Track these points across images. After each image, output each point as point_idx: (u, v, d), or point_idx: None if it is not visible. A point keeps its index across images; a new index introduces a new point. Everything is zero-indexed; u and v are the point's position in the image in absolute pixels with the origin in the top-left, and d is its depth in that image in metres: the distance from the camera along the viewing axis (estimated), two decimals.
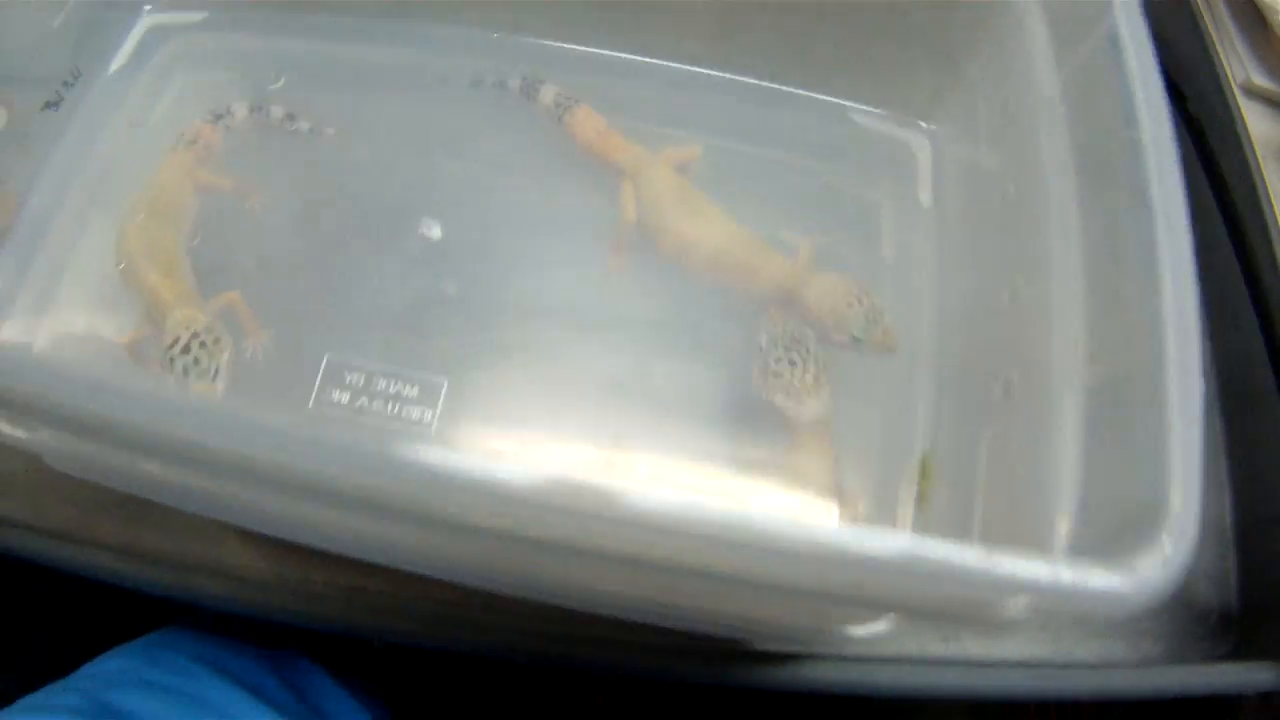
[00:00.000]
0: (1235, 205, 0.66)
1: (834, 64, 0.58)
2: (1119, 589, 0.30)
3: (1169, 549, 0.31)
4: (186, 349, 0.49)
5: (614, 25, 0.59)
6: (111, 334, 0.55)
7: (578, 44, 0.60)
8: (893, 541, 0.29)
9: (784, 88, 0.60)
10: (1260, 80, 0.73)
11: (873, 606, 0.37)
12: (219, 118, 0.58)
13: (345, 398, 0.51)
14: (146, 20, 0.60)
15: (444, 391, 0.51)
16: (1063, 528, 0.37)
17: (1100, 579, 0.30)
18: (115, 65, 0.59)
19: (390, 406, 0.51)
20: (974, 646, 0.56)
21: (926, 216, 0.56)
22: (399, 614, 0.53)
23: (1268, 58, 0.74)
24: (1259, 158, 0.67)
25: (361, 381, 0.51)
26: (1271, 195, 0.66)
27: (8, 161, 0.54)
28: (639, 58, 0.60)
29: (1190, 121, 0.71)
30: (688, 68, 0.60)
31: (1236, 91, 0.71)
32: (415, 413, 0.51)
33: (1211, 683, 0.55)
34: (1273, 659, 0.55)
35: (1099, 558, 0.31)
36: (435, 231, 0.55)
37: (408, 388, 0.51)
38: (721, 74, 0.60)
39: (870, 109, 0.59)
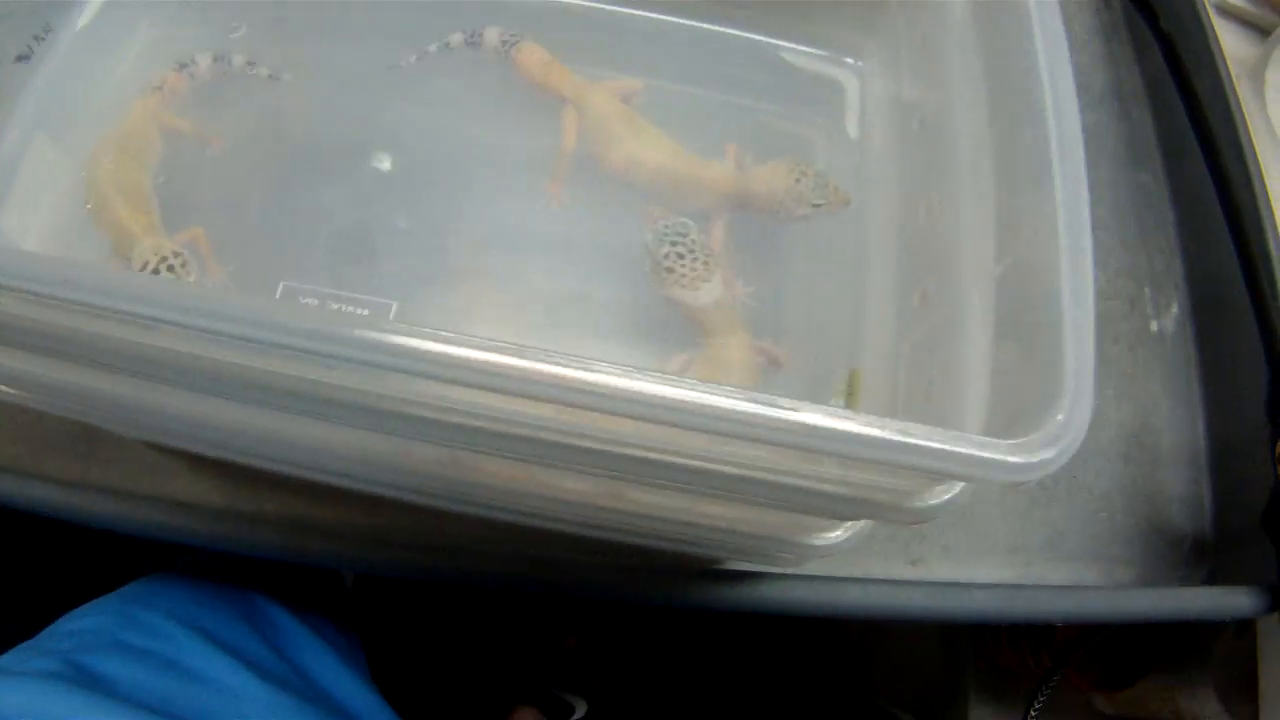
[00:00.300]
0: (1209, 124, 0.67)
1: (766, 6, 0.61)
2: (1013, 461, 0.32)
3: (1064, 423, 0.33)
4: (155, 272, 0.51)
5: None
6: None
7: None
8: (813, 414, 0.32)
9: (718, 28, 0.62)
10: None
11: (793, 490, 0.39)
12: (184, 66, 0.60)
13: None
14: None
15: (392, 313, 0.53)
16: (974, 421, 0.40)
17: (996, 447, 0.32)
18: (83, 21, 0.60)
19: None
20: (941, 569, 0.58)
21: (853, 147, 0.59)
22: (352, 540, 0.54)
23: None
24: (1233, 76, 0.68)
25: (315, 304, 0.53)
26: (1245, 114, 0.66)
27: None
28: (579, 2, 0.63)
29: (1163, 38, 0.72)
30: (624, 10, 0.62)
31: (1210, 9, 0.70)
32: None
33: (1184, 607, 0.56)
34: (1247, 584, 0.56)
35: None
36: (385, 164, 0.57)
37: (358, 310, 0.53)
38: (657, 16, 0.62)
39: (801, 48, 0.62)
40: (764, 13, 0.60)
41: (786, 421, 0.32)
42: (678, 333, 0.53)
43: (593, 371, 0.31)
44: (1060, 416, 0.33)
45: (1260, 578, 0.56)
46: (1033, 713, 0.73)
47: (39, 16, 0.58)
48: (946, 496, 0.37)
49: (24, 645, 0.56)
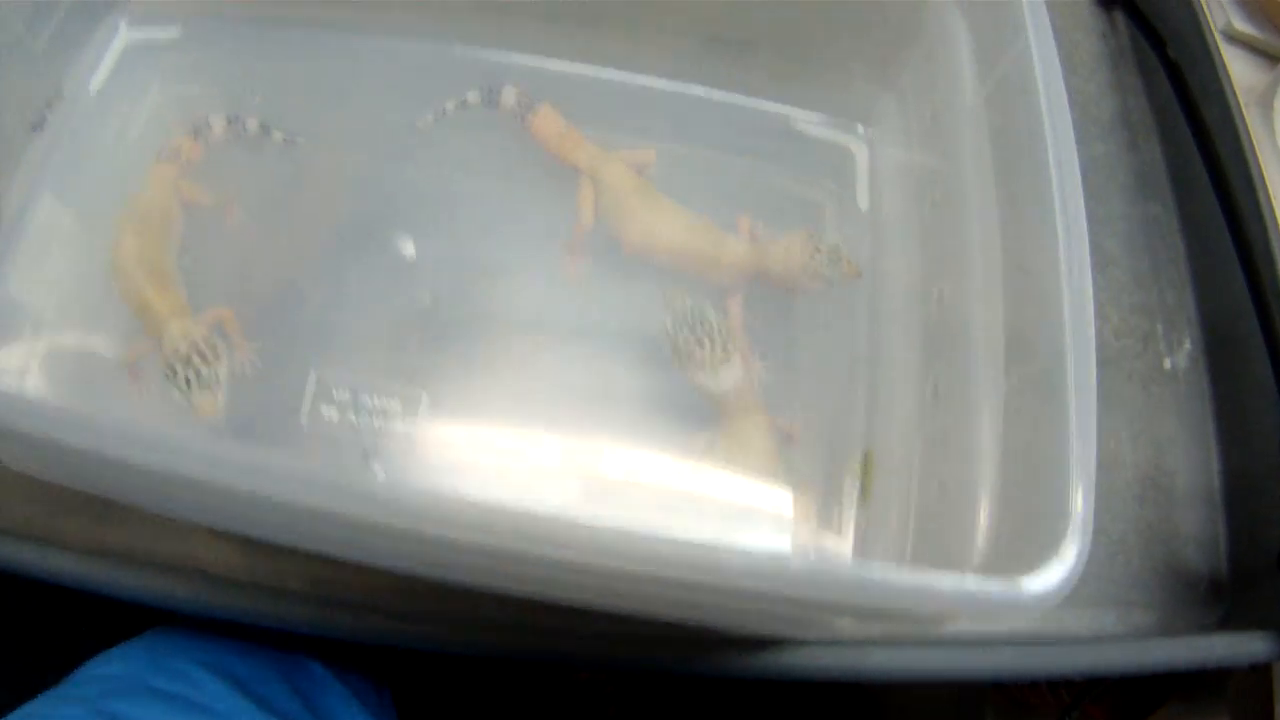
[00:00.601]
0: (1218, 153, 0.66)
1: (776, 76, 0.61)
2: (1024, 597, 0.34)
3: (1068, 561, 0.35)
4: (188, 361, 0.52)
5: (569, 38, 0.62)
6: (104, 349, 0.57)
7: (535, 55, 0.62)
8: (824, 566, 0.33)
9: (730, 96, 0.62)
10: (1241, 26, 0.73)
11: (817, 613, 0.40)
12: (198, 131, 0.60)
13: (334, 414, 0.54)
14: (124, 36, 0.61)
15: (423, 405, 0.54)
16: (983, 523, 0.41)
17: (1009, 591, 0.34)
18: (95, 84, 0.60)
19: (376, 421, 0.54)
20: (965, 623, 0.56)
21: (864, 219, 0.59)
22: (378, 612, 0.54)
23: (1249, 3, 0.74)
24: (1241, 104, 0.67)
25: (348, 397, 0.54)
26: (1255, 142, 0.65)
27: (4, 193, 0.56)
28: (593, 69, 0.63)
29: (1170, 66, 0.71)
30: (639, 79, 0.62)
31: (1217, 36, 0.69)
32: (400, 426, 0.54)
33: (1201, 656, 0.56)
34: (1262, 628, 0.56)
35: (1008, 566, 0.35)
36: (409, 248, 0.58)
37: (391, 402, 0.54)
38: (671, 85, 0.63)
39: (811, 115, 0.62)
40: (776, 80, 0.61)
41: (799, 574, 0.33)
42: (699, 410, 0.54)
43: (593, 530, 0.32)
44: (1064, 562, 0.35)
45: (1276, 620, 0.56)
46: None
47: (50, 80, 0.59)
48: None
49: (51, 692, 0.56)
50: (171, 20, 0.62)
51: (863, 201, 0.59)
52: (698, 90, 0.63)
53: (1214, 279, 0.67)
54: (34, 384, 0.56)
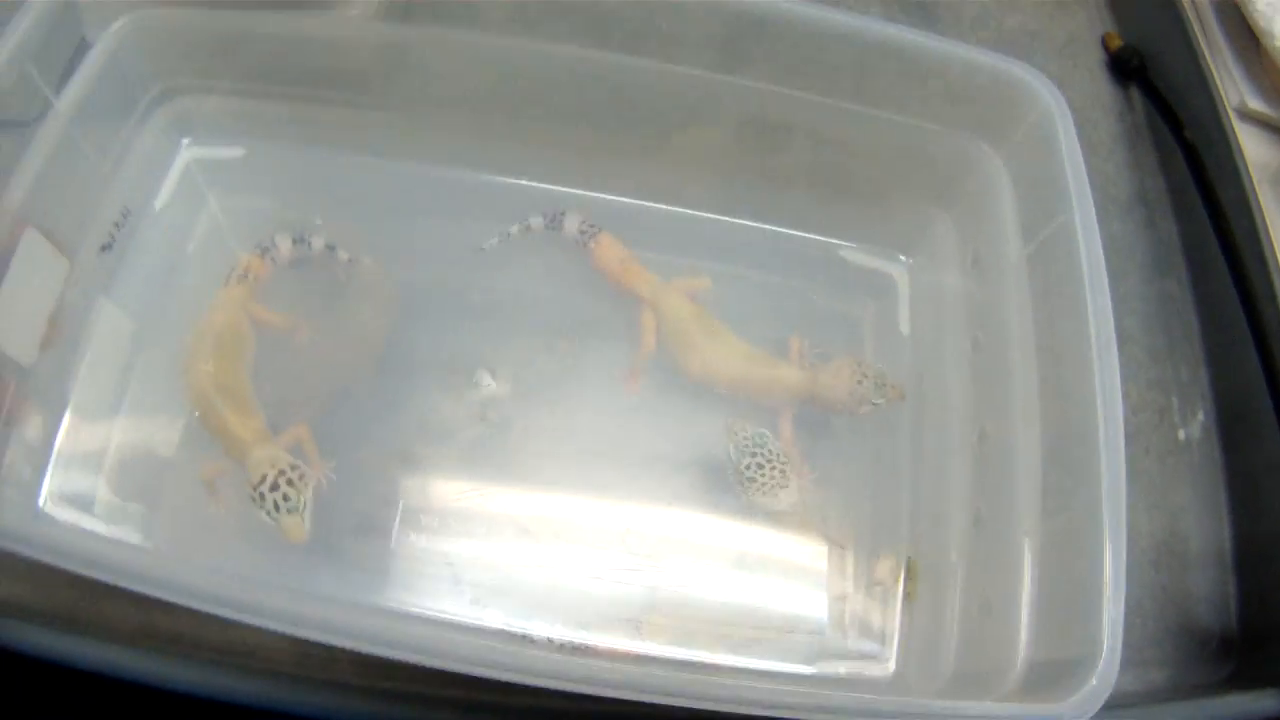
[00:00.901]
0: (1232, 232, 0.75)
1: (824, 216, 0.74)
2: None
3: (1096, 685, 0.48)
4: (275, 486, 0.62)
5: (623, 174, 0.74)
6: (178, 459, 0.67)
7: (591, 190, 0.75)
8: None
9: (776, 228, 0.76)
10: (1255, 104, 0.81)
11: None
12: (265, 251, 0.71)
13: (423, 540, 0.66)
14: (185, 154, 0.73)
15: (508, 530, 0.66)
16: (1022, 646, 0.54)
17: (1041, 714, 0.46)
18: (160, 202, 0.71)
19: (464, 545, 0.66)
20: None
21: (905, 342, 0.73)
22: (431, 702, 0.61)
23: (1263, 82, 0.82)
24: (1255, 182, 0.77)
25: (436, 523, 0.66)
26: (1269, 222, 0.75)
27: (75, 310, 0.65)
28: (646, 203, 0.75)
29: (1187, 147, 0.80)
30: (691, 212, 0.75)
31: (1233, 116, 0.79)
32: (485, 549, 0.66)
33: (1218, 714, 0.66)
34: (1273, 685, 0.66)
35: (1051, 681, 0.47)
36: (487, 380, 0.69)
37: (478, 526, 0.66)
38: (721, 217, 0.76)
39: (853, 244, 0.76)
40: (818, 217, 0.74)
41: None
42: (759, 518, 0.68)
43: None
44: (1093, 683, 0.48)
45: None
46: None
47: (118, 200, 0.68)
48: None
49: None
50: (234, 141, 0.73)
51: (904, 326, 0.73)
52: (746, 221, 0.75)
53: (1228, 354, 0.78)
54: (105, 497, 0.66)
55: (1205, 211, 0.78)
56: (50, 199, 0.61)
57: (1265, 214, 0.76)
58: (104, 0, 0.65)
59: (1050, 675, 0.51)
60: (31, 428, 0.63)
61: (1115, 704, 0.59)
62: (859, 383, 0.68)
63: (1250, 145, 0.79)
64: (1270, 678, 0.67)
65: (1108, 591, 0.49)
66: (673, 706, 0.47)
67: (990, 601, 0.58)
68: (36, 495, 0.64)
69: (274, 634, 0.59)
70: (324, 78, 0.70)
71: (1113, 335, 0.54)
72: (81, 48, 0.66)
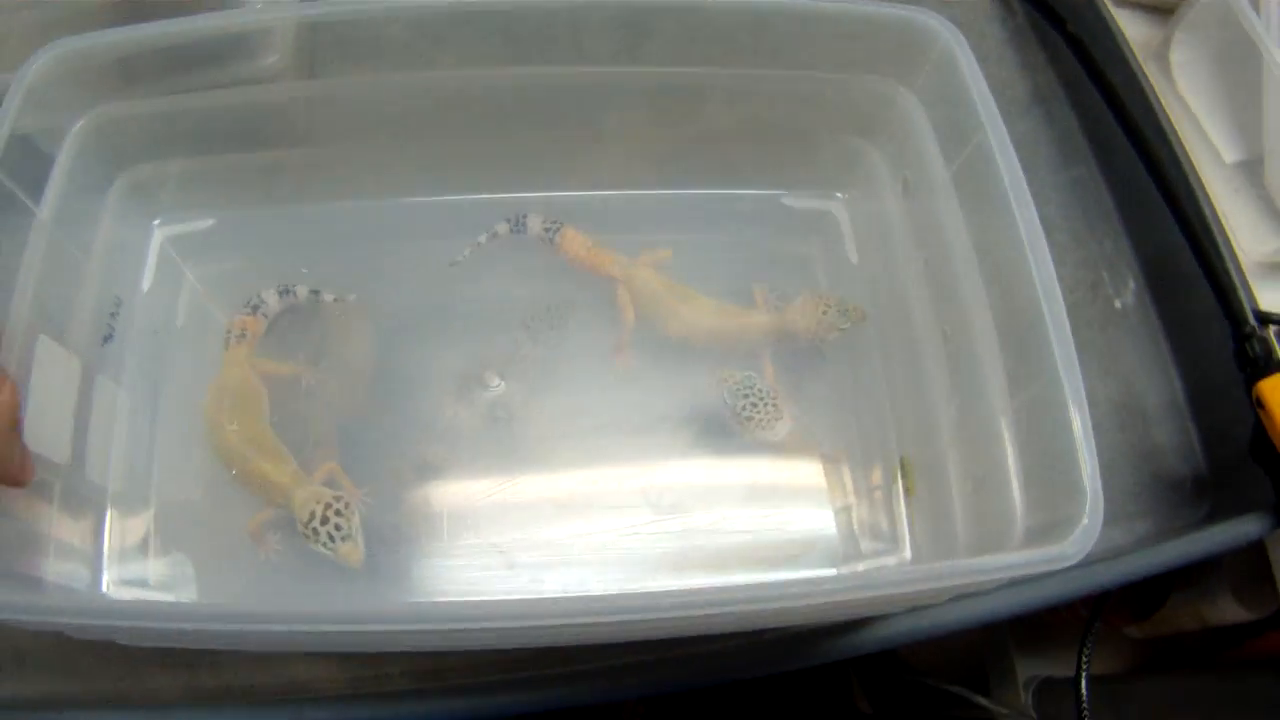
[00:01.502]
0: (1128, 111, 0.83)
1: (758, 170, 0.85)
2: (1062, 556, 0.56)
3: (1089, 524, 0.56)
4: (325, 520, 0.70)
5: (573, 171, 0.85)
6: (220, 521, 0.76)
7: (547, 190, 0.85)
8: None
9: (722, 191, 0.87)
10: None
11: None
12: (255, 308, 0.79)
13: (470, 537, 0.75)
14: (159, 235, 0.81)
15: (546, 511, 0.76)
16: (1017, 508, 0.64)
17: (1048, 554, 0.56)
18: (147, 284, 0.79)
19: (509, 531, 0.75)
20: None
21: (857, 272, 0.84)
22: (485, 687, 0.70)
23: None
24: (1140, 61, 0.86)
25: (476, 521, 0.75)
26: (1159, 94, 0.84)
27: (96, 400, 0.73)
28: (597, 191, 0.86)
29: (1071, 40, 0.89)
30: (640, 192, 0.86)
31: (1107, 2, 0.89)
32: (530, 534, 0.76)
33: (1207, 547, 0.75)
34: (1250, 510, 0.74)
35: (1050, 529, 0.58)
36: (496, 381, 0.79)
37: (512, 512, 0.76)
38: (668, 191, 0.87)
39: (793, 192, 0.87)
40: (757, 175, 0.85)
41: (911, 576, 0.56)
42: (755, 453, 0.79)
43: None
44: (1085, 522, 0.57)
45: (1259, 503, 0.75)
46: (1084, 663, 0.93)
47: (109, 291, 0.76)
48: None
49: None
50: (201, 213, 0.82)
51: (853, 256, 0.85)
52: (691, 190, 0.86)
53: (1145, 224, 0.88)
54: (160, 570, 0.74)
55: (1100, 96, 0.86)
56: (51, 305, 0.68)
57: (1155, 88, 0.85)
58: (41, 102, 0.70)
59: (1047, 528, 0.59)
60: (79, 523, 0.71)
61: (1110, 555, 0.75)
62: (824, 313, 0.79)
63: (1128, 27, 0.89)
64: (1246, 505, 0.76)
65: (1080, 443, 0.58)
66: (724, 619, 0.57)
67: (981, 479, 0.68)
68: (98, 586, 0.71)
69: (323, 666, 0.71)
70: (267, 136, 0.79)
71: (1039, 229, 0.63)
72: (30, 152, 0.70)
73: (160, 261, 0.80)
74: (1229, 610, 0.96)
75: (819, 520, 0.77)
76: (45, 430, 0.66)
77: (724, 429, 0.79)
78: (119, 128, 0.74)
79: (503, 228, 0.83)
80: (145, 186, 0.79)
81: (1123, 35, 0.87)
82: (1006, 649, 1.18)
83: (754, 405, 0.77)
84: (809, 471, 0.78)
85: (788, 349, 0.82)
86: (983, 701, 1.18)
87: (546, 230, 0.83)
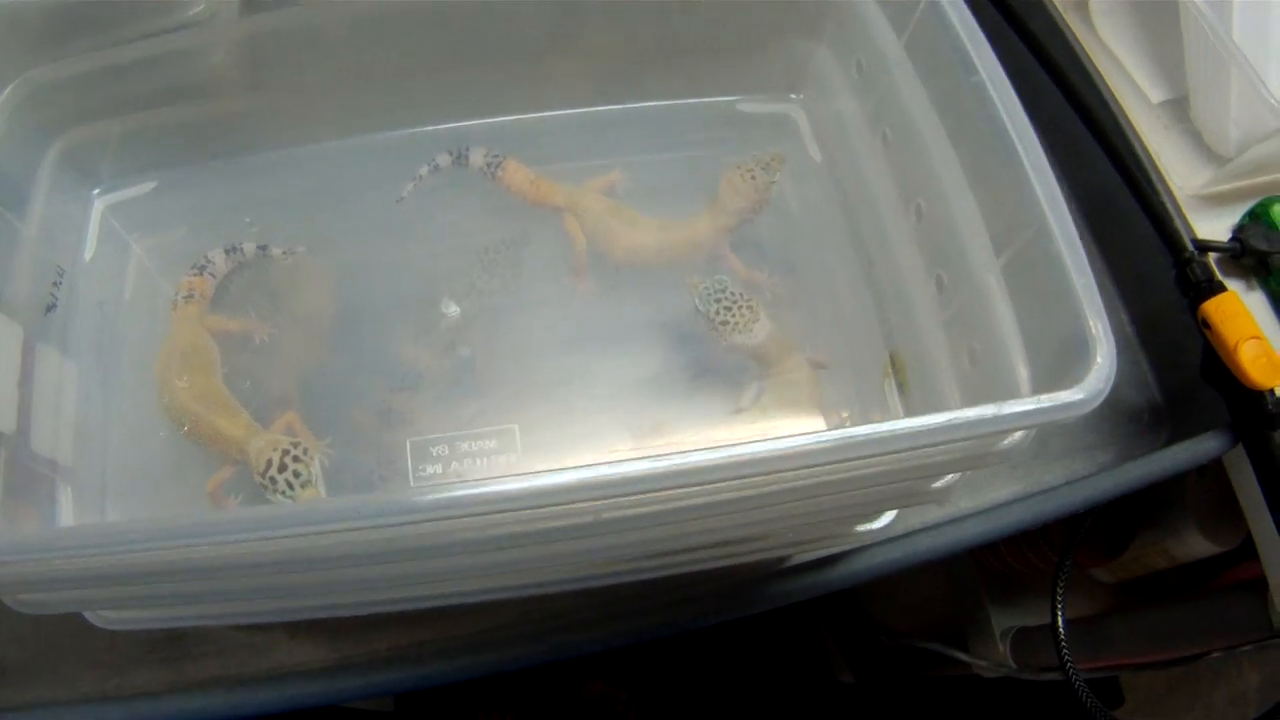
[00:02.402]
0: (1052, 57, 0.80)
1: (703, 74, 0.78)
2: (1081, 399, 0.49)
3: (1102, 363, 0.50)
4: (282, 467, 0.63)
5: (514, 93, 0.77)
6: (178, 485, 0.68)
7: (489, 117, 0.78)
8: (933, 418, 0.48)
9: (669, 103, 0.79)
10: None
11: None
12: (202, 269, 0.72)
13: (439, 468, 0.67)
14: (99, 203, 0.73)
15: (517, 436, 0.68)
16: (1021, 369, 0.57)
17: (1068, 397, 0.49)
18: (89, 252, 0.72)
19: (480, 462, 0.67)
20: (965, 502, 0.72)
21: (821, 170, 0.77)
22: (463, 650, 0.66)
23: None
24: (1061, 12, 0.84)
25: (447, 450, 0.67)
26: (1082, 42, 0.83)
27: (39, 370, 0.65)
28: (545, 113, 0.78)
29: None
30: (586, 111, 0.79)
31: None
32: (502, 460, 0.67)
33: (1170, 465, 0.73)
34: (1207, 429, 0.73)
35: (1058, 382, 0.51)
36: (453, 308, 0.71)
37: (487, 442, 0.67)
38: (615, 107, 0.79)
39: (747, 97, 0.79)
40: (707, 81, 0.78)
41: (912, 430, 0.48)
42: (738, 369, 0.71)
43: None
44: (1100, 359, 0.50)
45: (1216, 423, 0.74)
46: (1059, 600, 0.91)
47: (50, 262, 0.69)
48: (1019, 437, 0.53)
49: None
50: (140, 177, 0.74)
51: (815, 154, 0.77)
52: (640, 105, 0.79)
53: (1078, 162, 0.85)
54: None
55: (1024, 46, 0.82)
56: None
57: (1077, 35, 0.84)
58: None
59: (1056, 383, 0.54)
60: (27, 496, 0.63)
61: (1084, 478, 0.73)
62: (752, 178, 0.73)
63: None
64: (1203, 427, 0.74)
65: (1078, 284, 0.52)
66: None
67: (977, 351, 0.61)
68: None
69: (307, 644, 0.67)
70: (203, 89, 0.72)
71: (1001, 72, 0.58)
72: None
73: (103, 231, 0.73)
74: (1196, 545, 0.96)
75: (809, 425, 0.69)
76: None
77: (699, 340, 0.71)
78: (48, 91, 0.67)
79: (444, 159, 0.76)
80: (81, 151, 0.72)
81: None
82: (981, 603, 1.18)
83: (727, 309, 0.69)
84: (795, 380, 0.70)
85: (745, 235, 0.76)
86: (962, 656, 1.19)
87: (489, 164, 0.76)
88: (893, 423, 0.46)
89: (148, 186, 0.75)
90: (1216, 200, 0.79)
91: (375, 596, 0.59)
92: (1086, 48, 0.83)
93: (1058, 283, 0.53)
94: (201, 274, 0.72)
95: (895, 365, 0.69)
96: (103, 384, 0.70)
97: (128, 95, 0.70)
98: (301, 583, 0.55)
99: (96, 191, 0.74)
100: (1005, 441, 0.53)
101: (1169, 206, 0.75)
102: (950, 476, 0.57)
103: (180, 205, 0.75)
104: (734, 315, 0.69)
